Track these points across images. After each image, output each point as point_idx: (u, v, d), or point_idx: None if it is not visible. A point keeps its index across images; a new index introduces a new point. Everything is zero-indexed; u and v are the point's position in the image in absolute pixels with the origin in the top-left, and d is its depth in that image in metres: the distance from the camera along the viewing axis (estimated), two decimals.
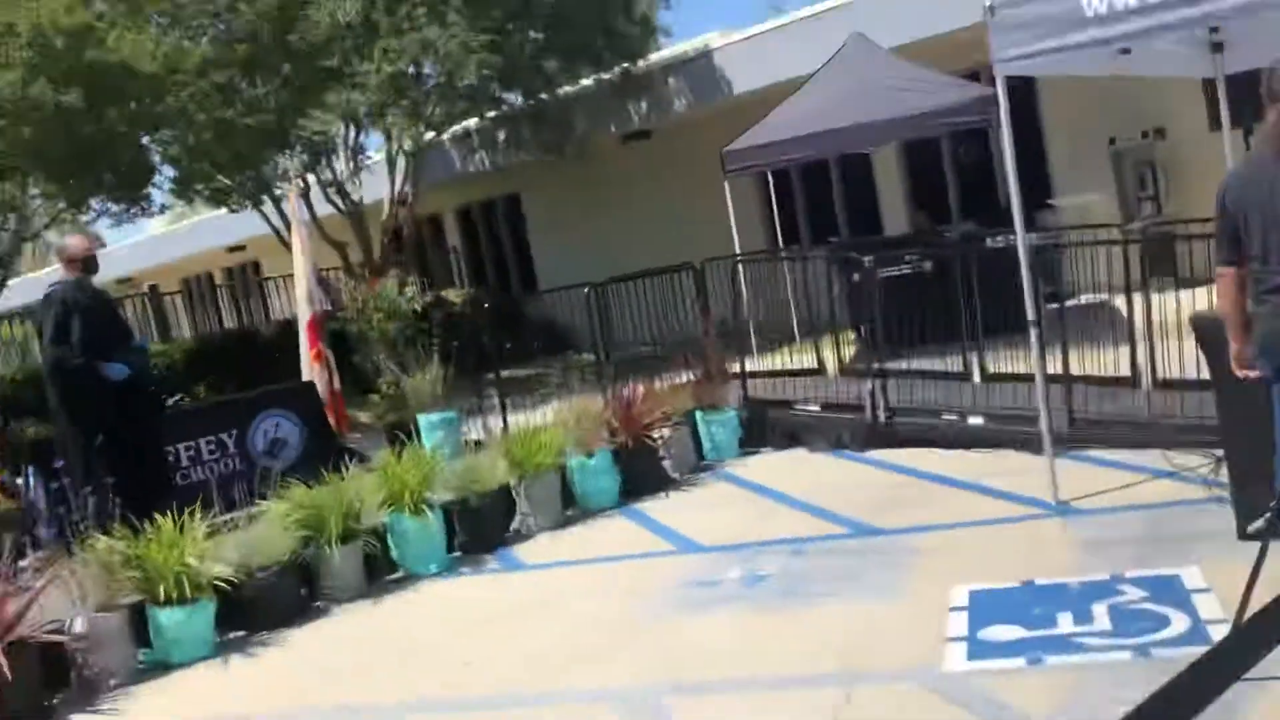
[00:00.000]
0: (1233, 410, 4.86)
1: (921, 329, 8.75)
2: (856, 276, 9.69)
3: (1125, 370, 7.38)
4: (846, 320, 10.93)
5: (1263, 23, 6.54)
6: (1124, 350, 7.43)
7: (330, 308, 10.81)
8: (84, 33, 10.86)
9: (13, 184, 12.75)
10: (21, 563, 6.48)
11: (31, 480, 7.14)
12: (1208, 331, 4.85)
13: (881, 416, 7.99)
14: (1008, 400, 7.37)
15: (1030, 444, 6.91)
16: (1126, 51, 6.09)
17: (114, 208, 13.92)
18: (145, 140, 12.96)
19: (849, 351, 10.05)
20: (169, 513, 6.00)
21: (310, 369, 9.29)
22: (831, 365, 9.68)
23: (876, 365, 8.14)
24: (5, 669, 5.08)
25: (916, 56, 11.29)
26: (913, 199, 14.88)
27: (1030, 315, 5.94)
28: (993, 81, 5.81)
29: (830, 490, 7.11)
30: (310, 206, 14.02)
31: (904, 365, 8.47)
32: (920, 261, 10.13)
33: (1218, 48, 6.84)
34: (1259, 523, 4.65)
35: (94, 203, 13.73)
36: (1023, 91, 12.36)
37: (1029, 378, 7.15)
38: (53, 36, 10.71)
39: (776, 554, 5.95)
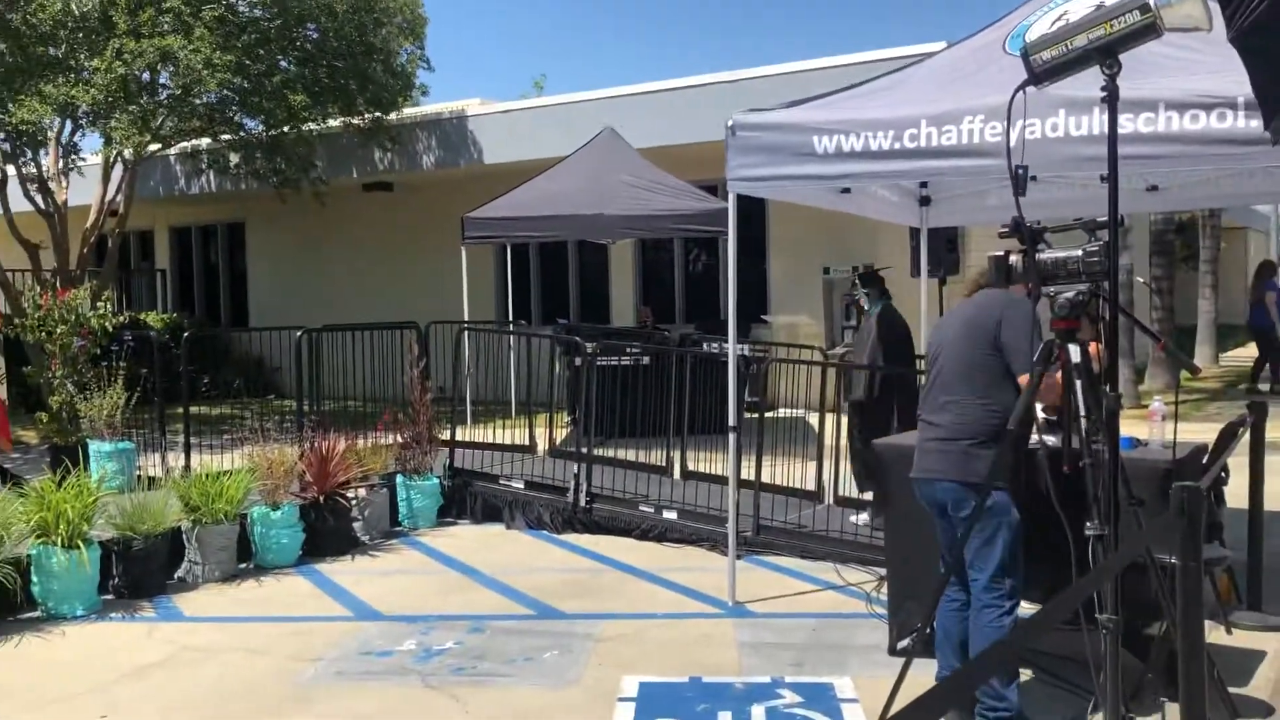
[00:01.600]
0: (898, 535, 5.23)
1: (632, 420, 8.97)
2: (578, 361, 9.84)
3: (811, 484, 7.83)
4: (563, 402, 11.06)
5: (962, 187, 7.30)
6: (812, 466, 7.90)
7: (7, 310, 9.82)
8: None
9: None
10: None
11: None
12: (885, 457, 5.22)
13: (583, 501, 8.07)
14: (702, 499, 7.62)
15: (717, 543, 7.19)
16: (847, 191, 6.60)
17: None
18: None
19: (561, 433, 10.14)
20: None
21: None
22: (542, 444, 9.72)
23: (585, 450, 8.23)
24: None
25: (662, 160, 11.77)
26: (641, 294, 15.37)
27: (731, 421, 6.19)
28: (727, 196, 6.09)
29: (521, 569, 7.07)
30: (5, 200, 12.80)
31: (611, 453, 8.62)
32: (639, 356, 10.42)
33: (925, 201, 7.54)
34: (906, 641, 5.00)
35: None
36: (754, 211, 13.14)
37: (723, 480, 7.46)
38: None
39: (455, 629, 5.82)
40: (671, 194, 10.82)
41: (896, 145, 5.34)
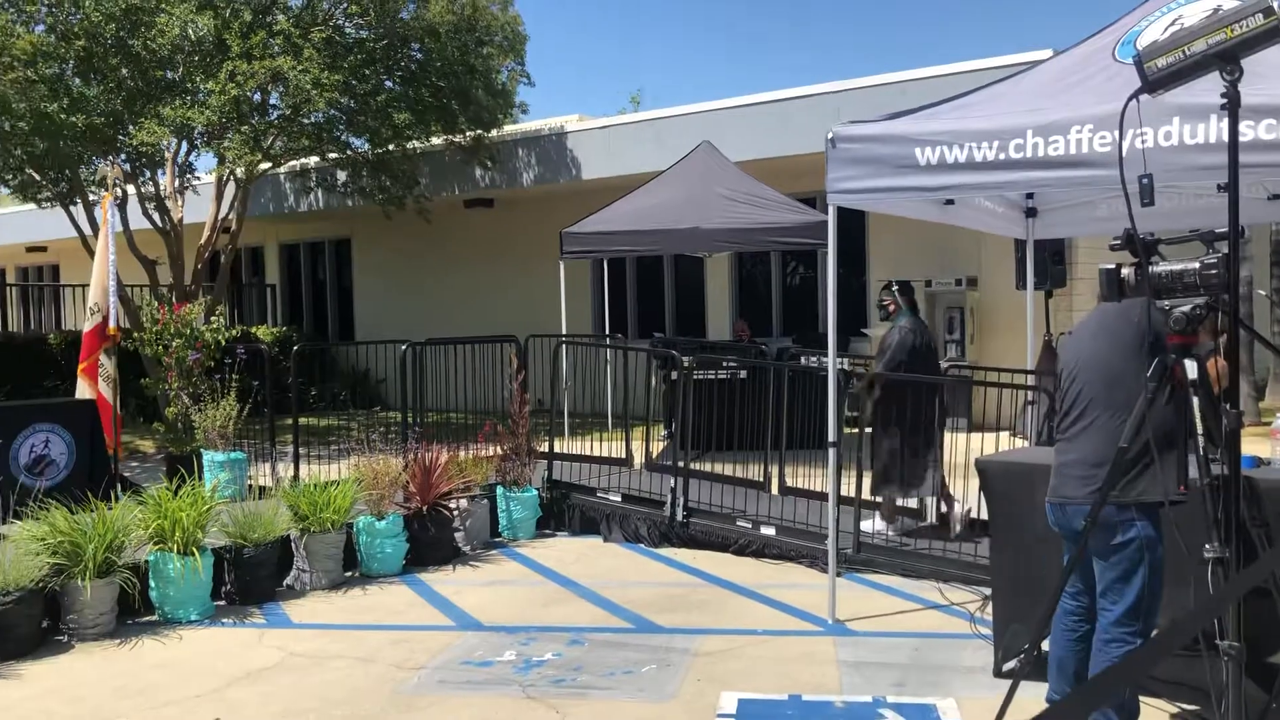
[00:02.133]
0: (1004, 554, 5.11)
1: (729, 434, 8.93)
2: (674, 375, 9.84)
3: (913, 502, 7.70)
4: (660, 415, 11.08)
5: (1070, 198, 7.12)
6: None
7: (126, 325, 10.22)
8: None
9: None
10: None
11: None
12: (991, 475, 5.10)
13: (680, 515, 8.06)
14: (800, 515, 7.56)
15: (816, 560, 7.12)
16: (950, 203, 6.50)
17: None
18: None
19: (657, 446, 10.15)
20: None
21: (81, 384, 8.69)
22: (639, 457, 9.75)
23: (681, 464, 8.23)
24: None
25: (759, 173, 11.73)
26: (739, 308, 15.33)
27: (831, 437, 6.13)
28: (825, 208, 6.04)
29: (619, 582, 7.09)
30: (125, 218, 13.33)
31: (708, 467, 8.61)
32: (736, 370, 10.38)
33: (1031, 213, 7.38)
34: (1012, 662, 4.88)
35: None
36: (853, 222, 13.01)
37: (822, 496, 7.38)
38: None
39: (555, 641, 5.86)
40: (769, 207, 10.78)
41: (1001, 156, 5.24)
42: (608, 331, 14.02)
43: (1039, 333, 9.41)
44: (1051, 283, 10.68)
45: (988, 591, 5.69)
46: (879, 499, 7.54)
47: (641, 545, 8.17)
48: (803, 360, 10.73)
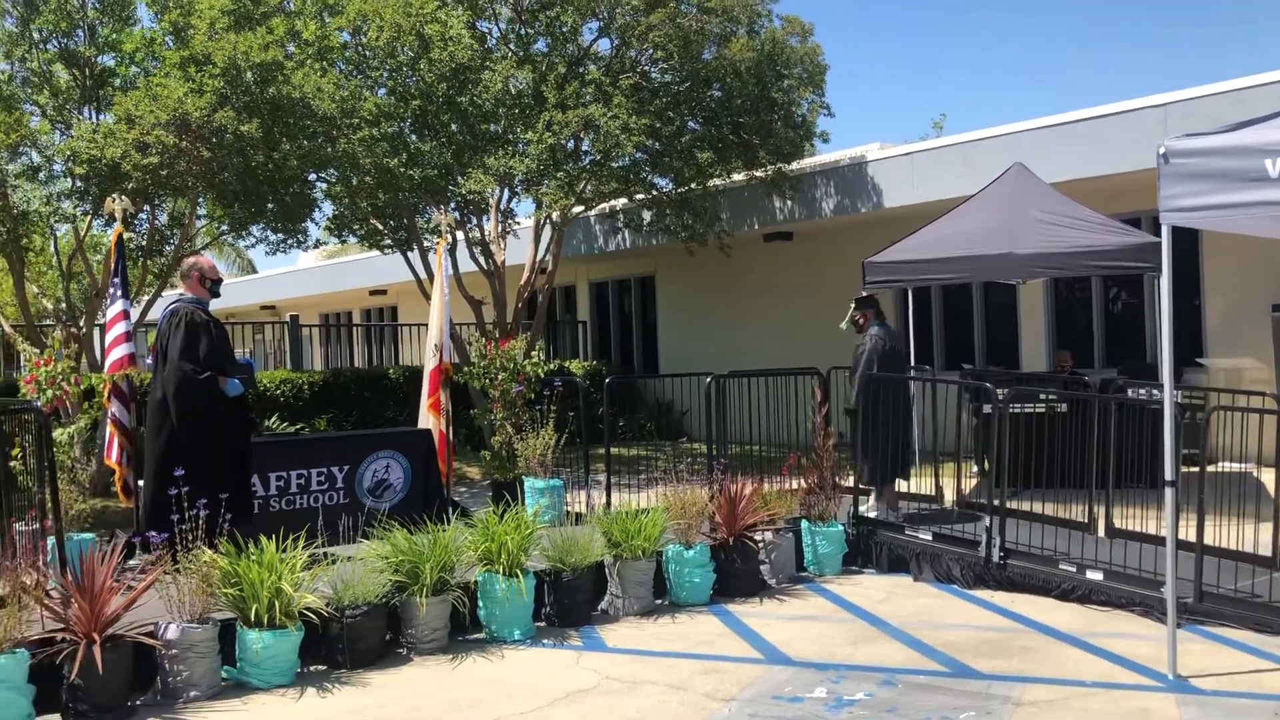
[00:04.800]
0: None
1: (1049, 472, 8.44)
2: (988, 408, 9.44)
3: (1265, 549, 6.97)
4: (971, 451, 10.64)
5: None
6: (1266, 527, 7.03)
7: (457, 361, 10.99)
8: (272, 69, 11.46)
9: (184, 201, 13.44)
10: (130, 562, 6.70)
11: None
12: None
13: (995, 556, 7.69)
14: (1132, 560, 7.01)
15: (1151, 609, 6.59)
16: None
17: (272, 236, 14.54)
18: (312, 176, 13.55)
19: (969, 483, 9.75)
20: (274, 536, 6.12)
21: (426, 416, 9.45)
22: (949, 494, 9.40)
23: (997, 502, 7.85)
24: (99, 662, 5.23)
25: (1073, 194, 11.07)
26: (1055, 337, 14.53)
27: (1168, 475, 5.65)
28: (1152, 228, 5.62)
29: (931, 624, 6.85)
30: (455, 261, 14.40)
31: (1026, 506, 8.17)
32: (1057, 403, 9.82)
33: None
34: None
35: (254, 229, 14.36)
36: (1185, 243, 12.04)
37: (1157, 539, 6.83)
38: (244, 69, 11.34)
39: (866, 680, 5.73)
40: (1089, 229, 10.11)
41: None
42: (914, 363, 13.65)
43: None
44: None
45: None
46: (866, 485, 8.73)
47: (954, 586, 7.85)
48: (1129, 392, 10.00)
